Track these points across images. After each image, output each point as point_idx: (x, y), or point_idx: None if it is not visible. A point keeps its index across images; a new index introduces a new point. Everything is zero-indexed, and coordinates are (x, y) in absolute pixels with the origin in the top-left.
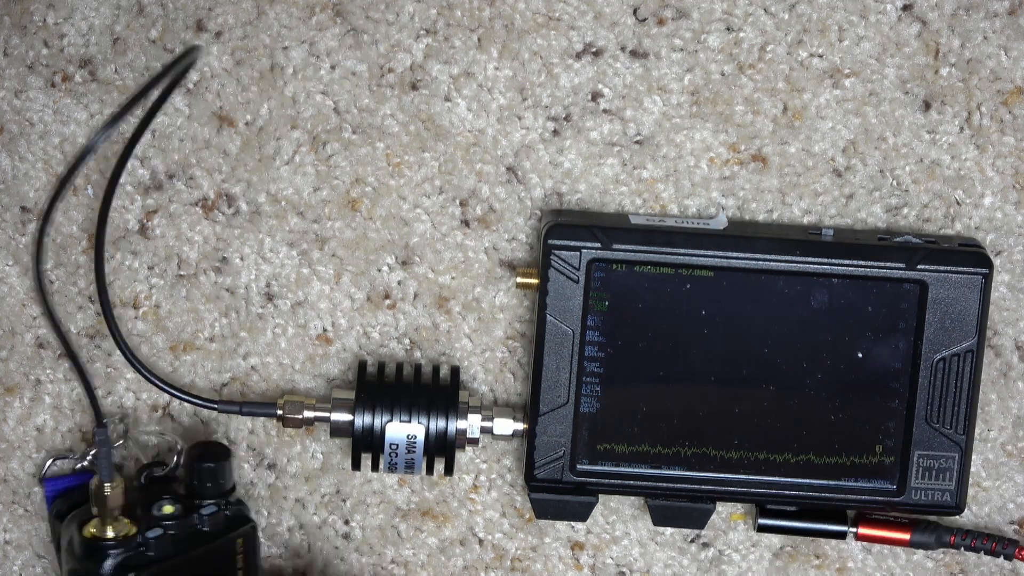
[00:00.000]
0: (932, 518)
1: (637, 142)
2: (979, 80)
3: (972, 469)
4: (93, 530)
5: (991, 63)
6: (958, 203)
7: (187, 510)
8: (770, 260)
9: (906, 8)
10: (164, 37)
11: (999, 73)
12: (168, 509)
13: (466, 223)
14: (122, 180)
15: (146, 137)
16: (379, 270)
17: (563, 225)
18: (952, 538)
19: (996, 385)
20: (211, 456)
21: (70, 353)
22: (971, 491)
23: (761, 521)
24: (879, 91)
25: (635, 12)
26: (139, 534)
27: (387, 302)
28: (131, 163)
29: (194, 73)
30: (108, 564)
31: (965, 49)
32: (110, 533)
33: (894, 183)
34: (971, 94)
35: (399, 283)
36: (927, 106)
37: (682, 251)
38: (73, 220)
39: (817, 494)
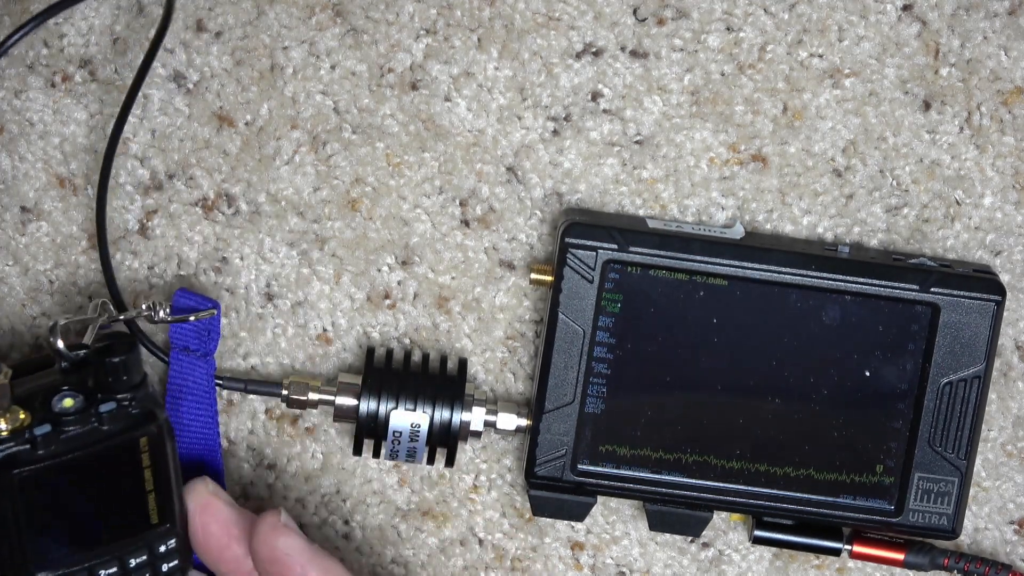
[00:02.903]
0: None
1: (637, 142)
2: (979, 80)
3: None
4: None
5: (991, 63)
6: (958, 203)
7: (89, 405)
8: (785, 273)
9: (906, 8)
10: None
11: (999, 73)
12: (68, 403)
13: (466, 223)
14: (122, 180)
15: (146, 137)
16: (379, 270)
17: (581, 224)
18: (946, 560)
19: (996, 385)
20: (114, 349)
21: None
22: (971, 491)
23: (757, 533)
24: (879, 91)
25: (635, 12)
26: (28, 429)
27: (387, 302)
28: (131, 163)
29: (194, 73)
30: None
31: (965, 49)
32: (0, 425)
33: (894, 183)
34: (971, 94)
35: (399, 283)
36: (927, 106)
37: (697, 258)
38: (73, 220)
39: (815, 509)
